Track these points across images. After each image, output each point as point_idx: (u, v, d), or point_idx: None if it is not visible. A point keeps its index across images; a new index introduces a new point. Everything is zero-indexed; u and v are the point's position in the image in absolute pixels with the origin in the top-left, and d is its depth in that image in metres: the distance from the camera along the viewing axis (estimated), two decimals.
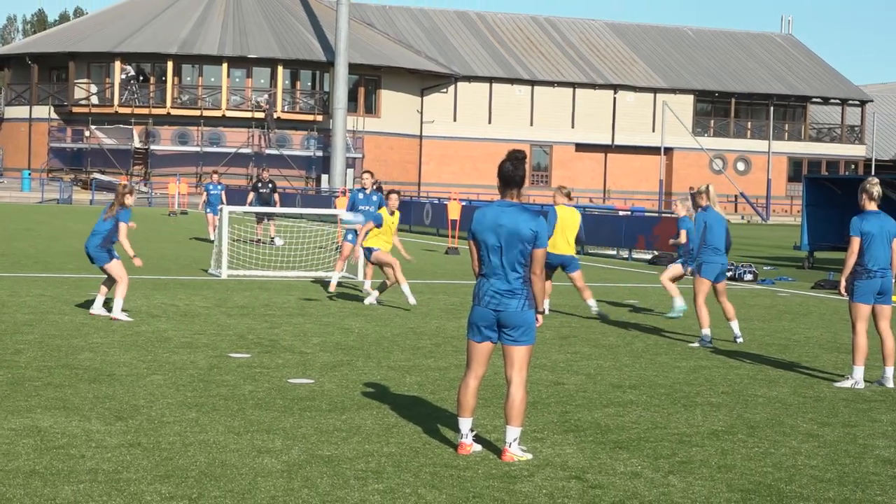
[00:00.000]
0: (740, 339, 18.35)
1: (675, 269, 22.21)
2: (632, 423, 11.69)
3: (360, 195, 24.27)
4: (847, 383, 14.43)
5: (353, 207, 24.12)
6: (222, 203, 38.97)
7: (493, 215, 9.99)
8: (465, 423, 10.11)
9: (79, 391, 12.30)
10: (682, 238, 21.78)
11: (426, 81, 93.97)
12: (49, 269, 26.82)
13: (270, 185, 40.82)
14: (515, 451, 9.97)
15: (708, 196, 18.33)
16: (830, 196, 41.52)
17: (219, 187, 41.65)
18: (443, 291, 25.20)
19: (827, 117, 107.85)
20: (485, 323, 9.99)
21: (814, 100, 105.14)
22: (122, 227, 19.25)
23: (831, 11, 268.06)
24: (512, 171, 10.04)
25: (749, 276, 31.09)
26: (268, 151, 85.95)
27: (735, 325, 18.46)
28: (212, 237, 36.80)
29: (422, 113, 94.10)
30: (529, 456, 10.04)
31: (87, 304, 20.18)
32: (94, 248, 19.15)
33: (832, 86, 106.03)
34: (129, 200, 19.38)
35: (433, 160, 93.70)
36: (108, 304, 19.27)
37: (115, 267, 19.10)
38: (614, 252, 41.67)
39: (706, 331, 17.96)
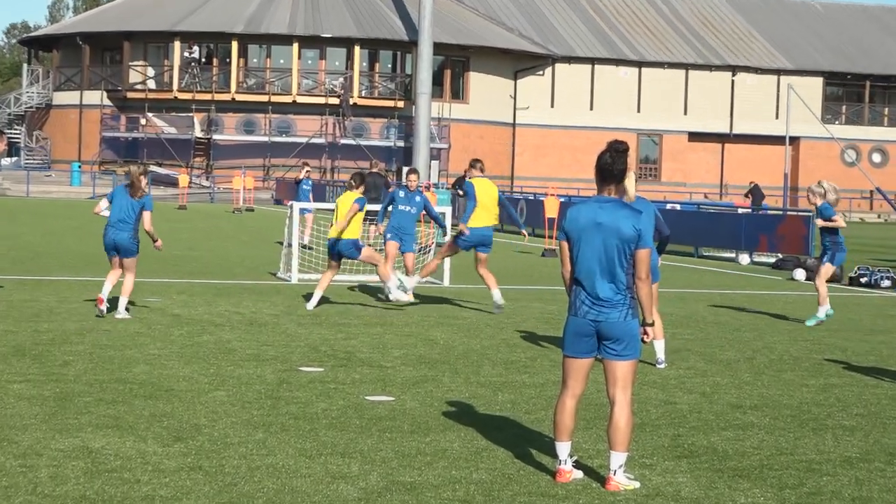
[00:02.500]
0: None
1: (828, 269, 21.95)
2: (753, 449, 11.60)
3: (402, 193, 24.23)
4: None
5: (388, 206, 24.19)
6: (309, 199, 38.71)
7: (590, 213, 9.92)
8: (564, 448, 10.05)
9: (133, 408, 12.39)
10: (841, 222, 21.64)
11: (520, 63, 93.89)
12: (101, 273, 27.04)
13: (383, 180, 40.31)
14: (621, 480, 9.90)
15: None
16: None
17: (310, 182, 41.24)
18: (538, 298, 25.16)
19: None
20: (582, 336, 9.91)
21: None
22: (148, 216, 19.97)
23: None
24: (610, 164, 10.00)
25: (887, 283, 30.79)
26: (343, 141, 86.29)
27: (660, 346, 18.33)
28: (305, 240, 36.22)
29: (515, 98, 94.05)
30: (637, 484, 9.98)
31: (142, 310, 20.35)
32: (129, 241, 19.63)
33: None
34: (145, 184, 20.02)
35: (528, 151, 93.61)
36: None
37: (135, 263, 19.68)
38: (733, 255, 41.37)
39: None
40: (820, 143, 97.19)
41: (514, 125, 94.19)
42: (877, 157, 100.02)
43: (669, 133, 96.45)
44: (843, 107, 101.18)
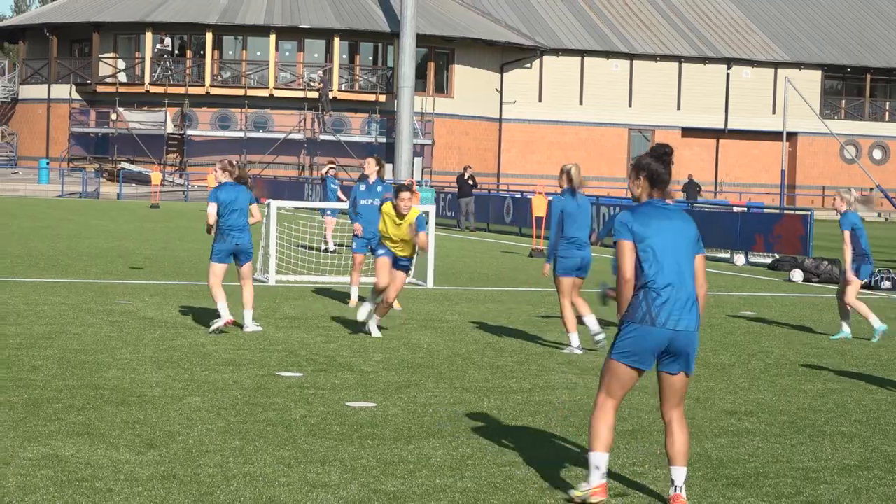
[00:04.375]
0: (601, 338, 18.19)
1: (856, 284, 21.22)
2: (748, 456, 11.66)
3: (362, 186, 23.43)
4: None
5: (354, 205, 23.18)
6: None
7: (660, 215, 9.77)
8: (604, 458, 9.75)
9: (105, 415, 12.42)
10: (846, 240, 20.97)
11: (507, 55, 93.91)
12: (70, 274, 27.07)
13: (471, 181, 38.88)
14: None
15: (570, 177, 18.43)
16: None
17: (337, 182, 40.47)
18: (526, 301, 25.21)
19: None
20: (656, 346, 9.66)
21: None
22: (256, 208, 20.19)
23: None
24: (651, 168, 9.82)
25: (888, 284, 30.87)
26: (322, 137, 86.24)
27: (593, 319, 18.43)
28: (331, 246, 35.84)
29: (502, 92, 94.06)
30: None
31: (113, 313, 20.36)
32: (251, 244, 19.84)
33: None
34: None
35: (515, 147, 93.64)
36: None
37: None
38: (728, 255, 41.44)
39: (573, 335, 18.30)
40: (819, 139, 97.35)
41: (500, 120, 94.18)
42: (878, 154, 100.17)
43: (662, 128, 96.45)
44: (843, 101, 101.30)
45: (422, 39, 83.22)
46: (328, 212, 36.34)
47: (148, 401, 13.24)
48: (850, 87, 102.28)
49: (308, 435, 11.84)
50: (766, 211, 46.65)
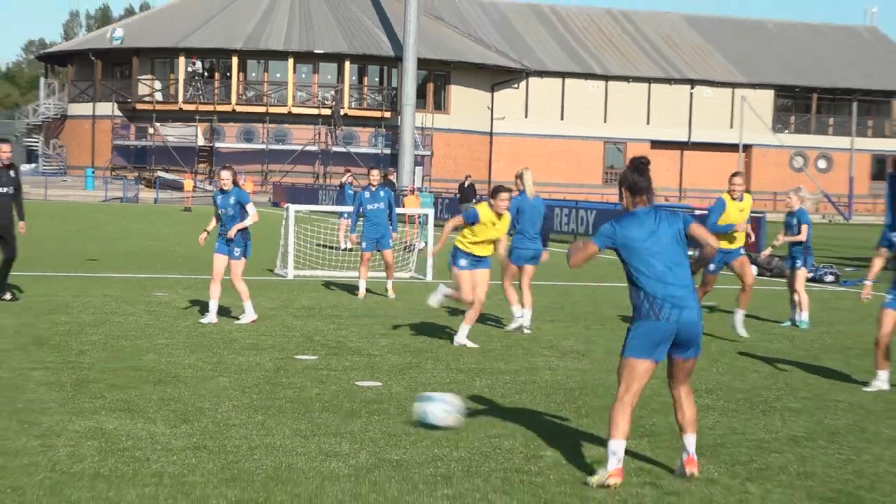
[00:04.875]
0: (528, 331, 18.63)
1: (803, 273, 21.06)
2: (708, 429, 11.67)
3: (367, 193, 23.75)
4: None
5: (360, 208, 23.71)
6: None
7: (641, 222, 9.64)
8: (621, 446, 9.52)
9: (144, 393, 12.44)
10: (803, 235, 20.75)
11: (497, 77, 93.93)
12: (113, 269, 27.07)
13: (471, 188, 37.31)
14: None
15: (523, 181, 18.92)
16: None
17: (353, 188, 39.25)
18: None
19: None
20: (665, 338, 9.51)
21: None
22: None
23: None
24: (631, 179, 9.72)
25: (830, 278, 30.87)
26: (334, 149, 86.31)
27: (528, 315, 18.71)
28: (343, 245, 35.53)
29: (492, 109, 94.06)
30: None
31: (151, 304, 20.37)
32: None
33: None
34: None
35: (504, 157, 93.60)
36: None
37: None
38: (691, 252, 41.34)
39: (515, 307, 18.89)
40: (771, 151, 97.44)
41: (491, 134, 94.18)
42: (822, 164, 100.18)
43: (633, 141, 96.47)
44: (792, 117, 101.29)
45: (422, 63, 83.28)
46: (344, 214, 36.20)
47: (181, 380, 13.25)
48: (798, 104, 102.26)
49: (322, 410, 11.85)
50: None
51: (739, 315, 19.03)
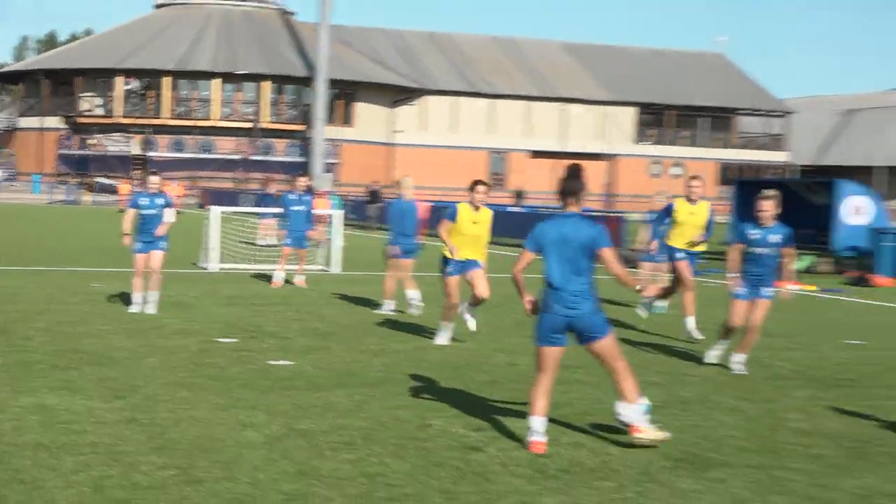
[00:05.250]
0: (416, 308, 18.94)
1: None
2: (577, 400, 11.73)
3: (293, 196, 23.96)
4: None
5: (286, 209, 23.85)
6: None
7: (557, 225, 9.67)
8: (539, 421, 9.60)
9: (83, 373, 12.27)
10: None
11: (397, 95, 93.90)
12: (57, 263, 26.69)
13: (378, 193, 36.46)
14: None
15: (402, 186, 19.30)
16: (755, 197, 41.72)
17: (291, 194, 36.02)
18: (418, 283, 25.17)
19: (753, 127, 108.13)
20: (560, 328, 9.55)
21: (741, 111, 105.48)
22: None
23: (758, 32, 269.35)
24: (564, 183, 9.77)
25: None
26: (254, 157, 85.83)
27: (415, 294, 19.09)
28: (263, 241, 34.72)
29: (393, 123, 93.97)
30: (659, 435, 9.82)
31: (90, 294, 20.11)
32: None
33: (758, 99, 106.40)
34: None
35: (403, 165, 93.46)
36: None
37: None
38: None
39: (389, 301, 19.30)
40: (633, 160, 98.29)
41: (392, 145, 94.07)
42: (676, 171, 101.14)
43: (515, 151, 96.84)
44: (651, 130, 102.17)
45: (332, 83, 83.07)
46: (267, 216, 35.84)
47: (116, 361, 13.09)
48: (657, 119, 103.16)
49: (240, 387, 11.76)
50: (592, 213, 47.10)
51: (691, 321, 17.22)
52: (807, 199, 39.86)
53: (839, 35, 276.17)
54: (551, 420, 10.65)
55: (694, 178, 17.58)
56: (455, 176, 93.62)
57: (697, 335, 16.96)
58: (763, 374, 13.92)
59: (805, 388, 13.04)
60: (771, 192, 14.05)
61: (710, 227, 17.23)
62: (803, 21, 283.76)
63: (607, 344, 9.67)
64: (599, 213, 48.16)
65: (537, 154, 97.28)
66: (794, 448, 9.92)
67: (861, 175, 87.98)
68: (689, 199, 17.27)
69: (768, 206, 13.83)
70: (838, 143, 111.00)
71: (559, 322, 9.53)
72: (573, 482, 8.49)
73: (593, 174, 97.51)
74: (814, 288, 27.70)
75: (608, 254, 9.58)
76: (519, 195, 73.03)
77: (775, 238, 13.88)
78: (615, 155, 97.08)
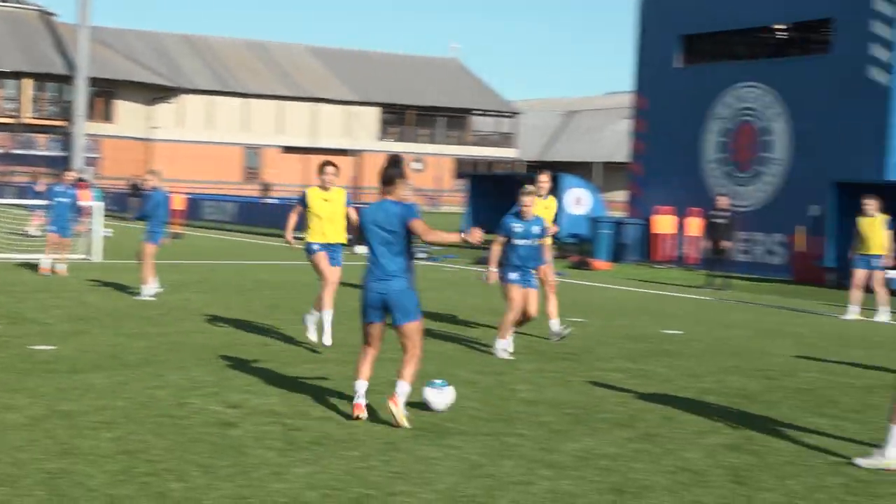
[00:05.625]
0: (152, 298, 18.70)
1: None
2: (328, 375, 11.70)
3: (60, 188, 23.52)
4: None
5: (52, 200, 23.36)
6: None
7: (372, 210, 9.67)
8: (362, 385, 9.77)
9: None
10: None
11: (155, 93, 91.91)
12: None
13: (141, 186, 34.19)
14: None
15: (156, 178, 19.75)
16: (487, 189, 42.61)
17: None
18: (168, 270, 24.68)
19: (485, 126, 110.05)
20: (374, 304, 9.63)
21: (475, 112, 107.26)
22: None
23: (490, 39, 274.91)
24: (382, 172, 9.77)
25: (422, 255, 31.47)
26: (16, 151, 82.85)
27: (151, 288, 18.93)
28: (32, 232, 33.32)
29: (152, 120, 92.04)
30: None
31: None
32: None
33: (489, 101, 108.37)
34: None
35: (161, 160, 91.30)
36: None
37: None
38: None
39: (153, 285, 18.98)
40: (377, 155, 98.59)
41: (151, 141, 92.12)
42: (417, 165, 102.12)
43: (268, 147, 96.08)
44: (394, 128, 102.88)
45: (93, 81, 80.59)
46: (36, 207, 34.47)
47: None
48: (398, 118, 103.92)
49: (1, 371, 11.28)
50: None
51: (554, 323, 15.69)
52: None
53: (562, 43, 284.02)
54: (307, 396, 10.59)
55: (541, 173, 16.48)
56: (211, 170, 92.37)
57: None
58: (478, 349, 14.15)
59: (532, 362, 13.33)
60: (531, 188, 14.19)
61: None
62: (530, 29, 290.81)
63: (413, 329, 9.72)
64: (348, 205, 48.21)
65: (289, 150, 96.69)
66: (523, 416, 10.12)
67: (581, 170, 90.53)
68: (539, 194, 15.53)
69: (530, 201, 13.96)
70: (561, 141, 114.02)
71: (375, 299, 9.62)
72: (323, 453, 8.45)
73: (342, 168, 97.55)
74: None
75: (419, 225, 9.61)
76: (266, 188, 72.59)
77: (536, 229, 14.07)
78: (361, 151, 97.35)
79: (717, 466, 8.48)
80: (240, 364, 12.23)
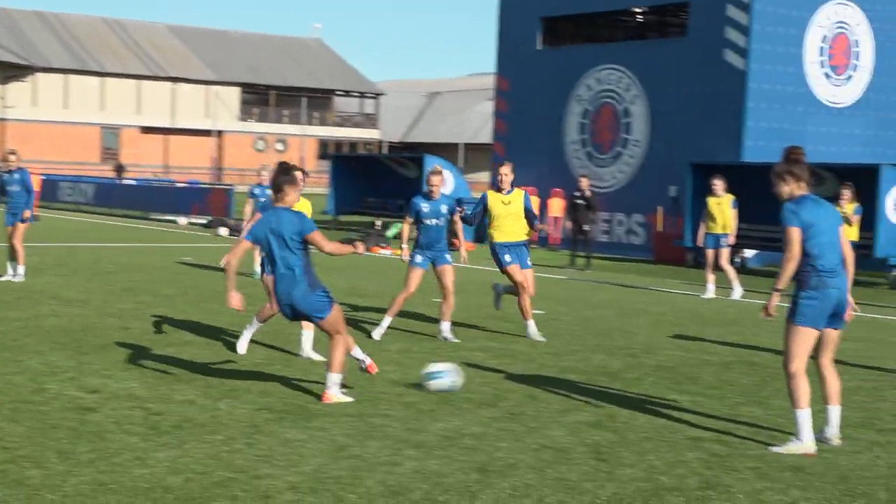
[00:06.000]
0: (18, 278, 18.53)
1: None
2: (189, 360, 11.56)
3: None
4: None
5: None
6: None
7: (267, 220, 9.78)
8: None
9: None
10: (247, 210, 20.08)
11: (8, 72, 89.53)
12: None
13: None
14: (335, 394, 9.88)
15: (16, 158, 19.18)
16: (351, 171, 42.54)
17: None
18: (33, 253, 24.11)
19: (349, 107, 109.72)
20: (283, 303, 9.88)
21: (338, 92, 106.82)
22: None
23: (352, 20, 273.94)
24: (272, 180, 9.87)
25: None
26: None
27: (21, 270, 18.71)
28: None
29: (4, 99, 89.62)
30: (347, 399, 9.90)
31: None
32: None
33: (353, 81, 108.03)
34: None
35: (14, 141, 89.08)
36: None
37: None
38: (174, 217, 41.05)
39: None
40: (239, 136, 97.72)
41: (3, 121, 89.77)
42: (279, 146, 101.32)
43: (126, 127, 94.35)
44: (255, 109, 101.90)
45: None
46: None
47: None
48: (260, 99, 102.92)
49: None
50: (201, 186, 46.76)
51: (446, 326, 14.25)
52: (397, 172, 40.91)
53: (425, 24, 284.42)
54: (166, 380, 10.45)
55: (502, 164, 14.62)
56: (68, 151, 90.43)
57: (449, 337, 13.94)
58: (365, 332, 14.15)
59: (399, 342, 13.36)
60: (438, 167, 14.29)
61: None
62: (393, 10, 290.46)
63: (331, 322, 9.81)
64: (208, 186, 47.67)
65: (148, 130, 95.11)
66: (389, 397, 10.14)
67: (445, 151, 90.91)
68: (499, 188, 14.35)
69: (437, 181, 14.00)
70: (424, 122, 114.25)
71: (284, 304, 9.78)
72: (185, 437, 8.35)
73: (202, 149, 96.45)
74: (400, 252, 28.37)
75: (316, 237, 9.72)
76: (119, 169, 71.28)
77: (444, 209, 14.07)
78: (222, 131, 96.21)
79: (580, 444, 8.61)
80: (99, 348, 12.01)
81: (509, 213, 14.21)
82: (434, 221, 14.04)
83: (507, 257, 14.18)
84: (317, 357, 11.88)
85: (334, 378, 9.84)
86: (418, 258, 14.10)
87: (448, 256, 14.20)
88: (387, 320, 14.02)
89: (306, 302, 9.71)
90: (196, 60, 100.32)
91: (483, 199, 14.35)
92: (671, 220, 31.06)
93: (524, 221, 14.32)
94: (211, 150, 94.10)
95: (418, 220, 14.06)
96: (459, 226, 14.40)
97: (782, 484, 7.70)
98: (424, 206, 14.02)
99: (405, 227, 14.32)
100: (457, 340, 13.82)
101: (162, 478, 7.25)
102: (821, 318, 8.59)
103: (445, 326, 14.07)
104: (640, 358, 12.99)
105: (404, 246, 14.28)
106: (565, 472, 7.77)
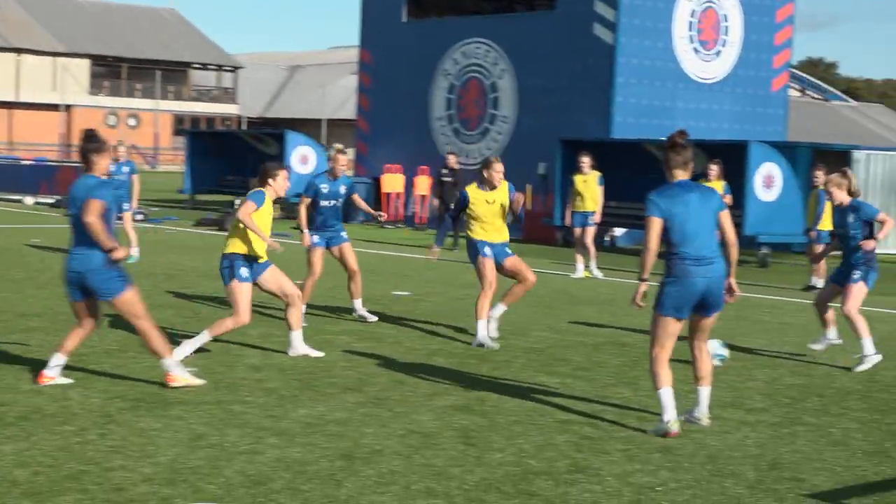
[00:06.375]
0: None
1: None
2: (36, 348, 11.32)
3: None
4: None
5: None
6: None
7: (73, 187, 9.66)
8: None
9: None
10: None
11: None
12: None
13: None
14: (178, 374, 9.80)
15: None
16: (208, 147, 42.12)
17: None
18: None
19: (205, 81, 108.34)
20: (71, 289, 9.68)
21: (194, 65, 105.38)
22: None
23: None
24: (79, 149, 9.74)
25: (140, 217, 30.76)
26: None
27: None
28: None
29: None
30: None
31: None
32: None
33: (210, 54, 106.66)
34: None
35: None
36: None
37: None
38: (20, 197, 40.10)
39: None
40: (89, 110, 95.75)
41: None
42: (132, 122, 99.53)
43: None
44: (106, 82, 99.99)
45: None
46: None
47: None
48: (111, 71, 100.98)
49: None
50: (49, 164, 45.90)
51: (499, 312, 13.65)
52: (257, 149, 40.56)
53: None
54: (10, 367, 10.25)
55: (493, 161, 13.42)
56: None
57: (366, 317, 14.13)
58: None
59: (258, 327, 13.25)
60: (339, 146, 14.38)
61: None
62: None
63: (120, 304, 9.56)
64: (57, 164, 46.67)
65: None
66: (249, 383, 10.07)
67: (307, 127, 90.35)
68: (480, 183, 13.23)
69: (344, 161, 14.07)
70: (285, 97, 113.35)
71: (73, 279, 9.50)
72: (33, 428, 8.18)
73: (50, 124, 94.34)
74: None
75: (86, 207, 9.27)
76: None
77: (343, 189, 14.07)
78: (71, 106, 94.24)
79: (447, 428, 8.66)
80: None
81: (493, 212, 13.10)
82: (332, 202, 14.06)
83: (487, 249, 13.10)
84: (314, 353, 11.56)
85: (168, 363, 9.70)
86: (315, 238, 14.07)
87: (344, 234, 14.26)
88: (357, 302, 14.17)
89: (98, 279, 9.44)
90: (42, 30, 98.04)
91: (465, 198, 13.04)
92: (540, 198, 31.36)
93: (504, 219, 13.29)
94: (59, 125, 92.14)
95: (315, 200, 14.01)
96: (360, 202, 14.54)
97: (651, 465, 7.85)
98: (324, 187, 14.01)
99: (302, 210, 14.16)
100: (374, 319, 13.91)
101: (8, 472, 7.09)
102: (684, 306, 8.68)
103: (358, 304, 14.16)
104: (510, 339, 13.10)
105: (305, 231, 14.10)
106: (432, 458, 7.81)
